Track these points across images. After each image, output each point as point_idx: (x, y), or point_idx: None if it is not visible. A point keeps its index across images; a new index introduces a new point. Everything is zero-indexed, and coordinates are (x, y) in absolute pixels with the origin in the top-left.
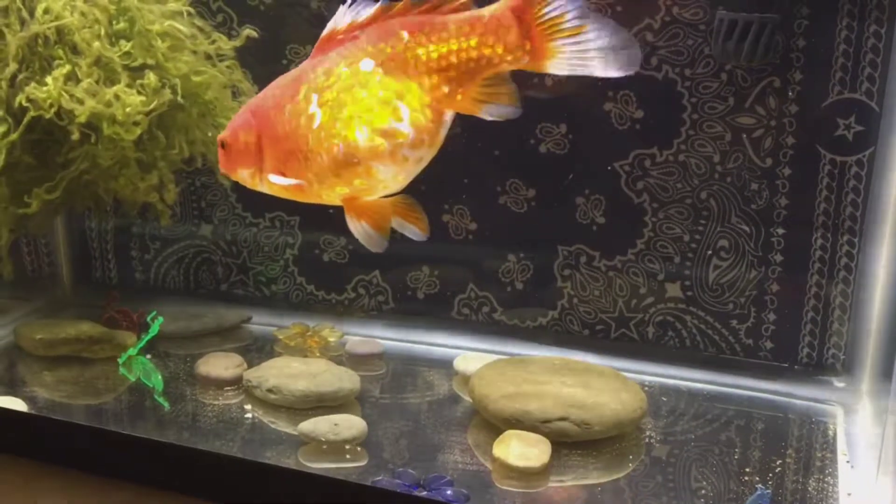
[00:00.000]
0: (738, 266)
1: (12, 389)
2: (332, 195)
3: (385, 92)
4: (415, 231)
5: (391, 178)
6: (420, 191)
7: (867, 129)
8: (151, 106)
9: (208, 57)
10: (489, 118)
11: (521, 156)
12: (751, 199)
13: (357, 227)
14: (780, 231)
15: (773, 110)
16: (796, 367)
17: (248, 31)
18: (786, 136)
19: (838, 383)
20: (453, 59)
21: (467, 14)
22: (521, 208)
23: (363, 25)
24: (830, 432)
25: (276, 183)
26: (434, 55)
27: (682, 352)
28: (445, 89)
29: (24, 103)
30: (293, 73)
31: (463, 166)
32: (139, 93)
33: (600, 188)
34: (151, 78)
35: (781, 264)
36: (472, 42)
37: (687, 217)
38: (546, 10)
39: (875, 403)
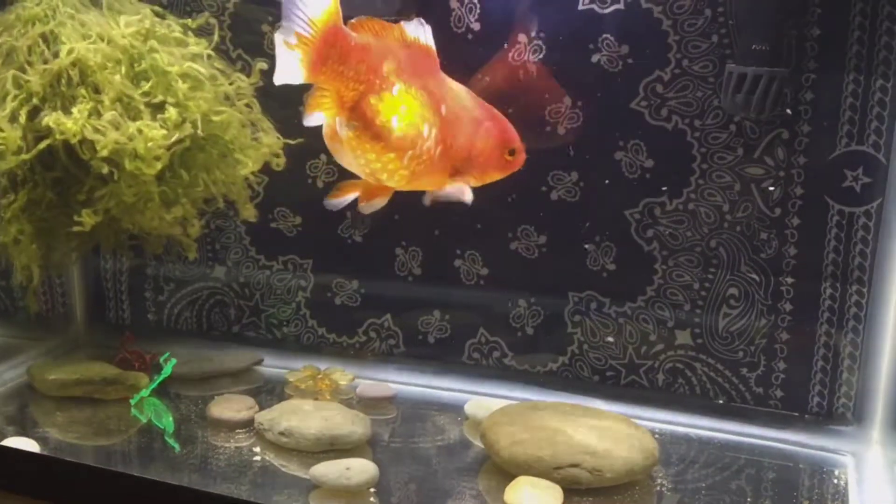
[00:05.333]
0: (748, 314)
1: (25, 430)
2: None
3: None
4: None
5: None
6: (434, 235)
7: (874, 180)
8: (172, 139)
9: (227, 98)
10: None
11: (533, 203)
12: (760, 249)
13: None
14: (790, 280)
15: (782, 161)
16: (807, 416)
17: (260, 65)
18: (794, 186)
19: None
20: None
21: None
22: (532, 254)
23: None
24: (842, 482)
25: None
26: None
27: (693, 399)
28: None
29: (52, 125)
30: None
31: (475, 212)
32: (161, 127)
33: (611, 235)
34: (172, 112)
35: (791, 313)
36: None
37: (697, 265)
38: None
39: (886, 453)
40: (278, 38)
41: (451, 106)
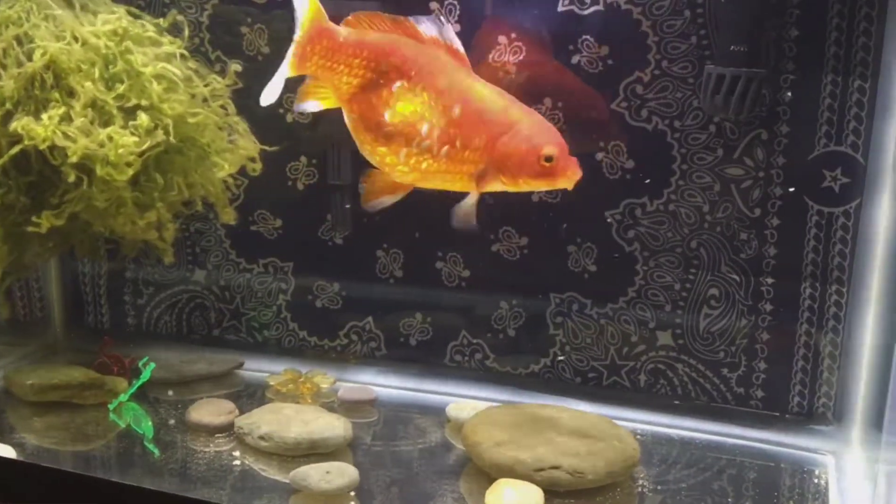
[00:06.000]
0: (729, 315)
1: (2, 435)
2: None
3: None
4: None
5: None
6: (415, 238)
7: (853, 180)
8: (144, 146)
9: (204, 99)
10: None
11: (514, 204)
12: (740, 249)
13: None
14: (770, 280)
15: (761, 162)
16: (787, 415)
17: (235, 66)
18: (774, 187)
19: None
20: None
21: None
22: (513, 256)
23: None
24: (822, 482)
25: None
26: None
27: (674, 400)
28: None
29: (20, 130)
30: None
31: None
32: (132, 134)
33: (592, 236)
34: (143, 118)
35: (771, 313)
36: None
37: (677, 266)
38: None
39: (866, 452)
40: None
41: (471, 107)
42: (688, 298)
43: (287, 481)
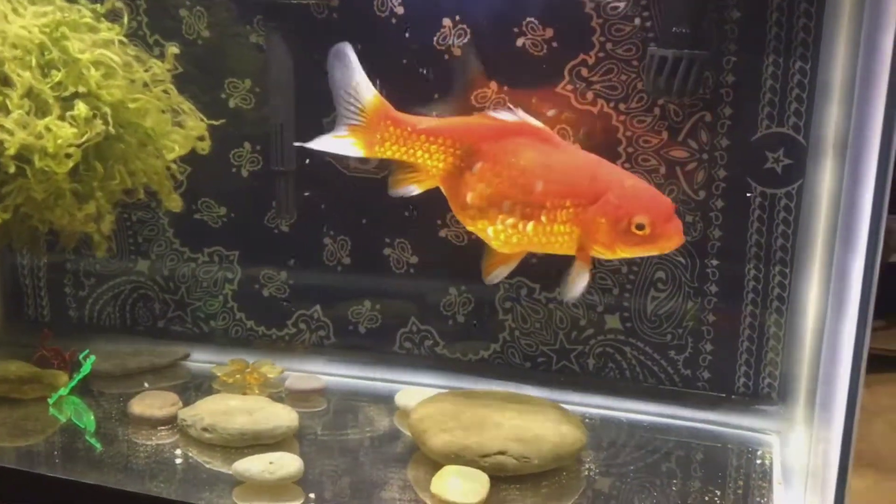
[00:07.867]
0: (675, 297)
1: None
2: None
3: None
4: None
5: None
6: (362, 224)
7: (795, 162)
8: (83, 138)
9: (146, 84)
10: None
11: None
12: (685, 231)
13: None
14: (715, 262)
15: (705, 144)
16: (733, 396)
17: (172, 49)
18: (717, 169)
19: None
20: None
21: None
22: (461, 241)
23: None
24: (767, 461)
25: None
26: None
27: (623, 383)
28: None
29: None
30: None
31: (403, 200)
32: (70, 125)
33: None
34: (82, 108)
35: (717, 295)
36: None
37: None
38: None
39: (809, 431)
40: (326, 139)
41: (554, 181)
42: (635, 282)
43: (230, 473)
